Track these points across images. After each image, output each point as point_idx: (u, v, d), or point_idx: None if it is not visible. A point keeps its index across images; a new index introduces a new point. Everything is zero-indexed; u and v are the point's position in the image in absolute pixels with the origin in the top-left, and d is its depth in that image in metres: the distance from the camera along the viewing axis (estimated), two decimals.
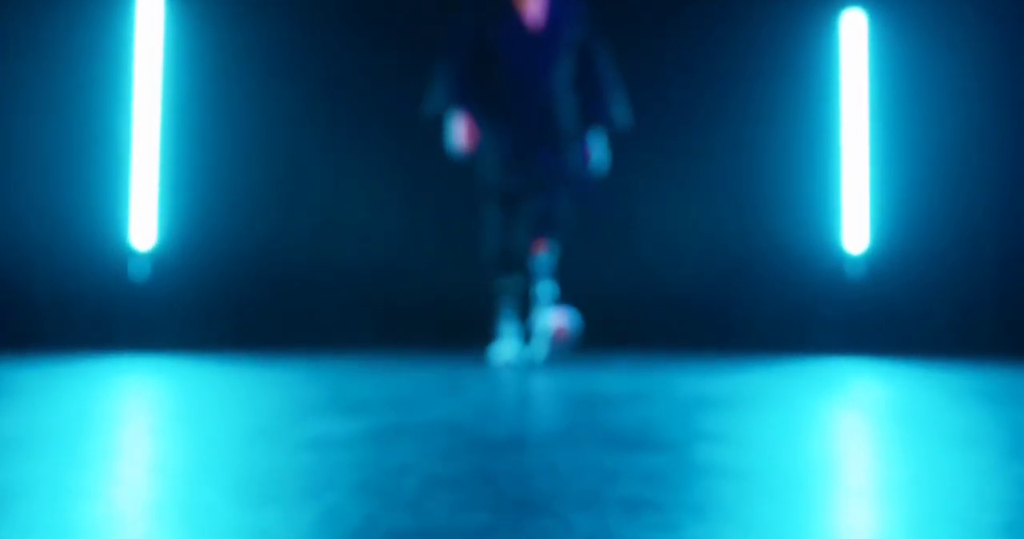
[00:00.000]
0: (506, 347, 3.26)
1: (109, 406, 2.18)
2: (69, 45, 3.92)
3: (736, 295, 4.15)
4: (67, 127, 3.92)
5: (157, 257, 3.96)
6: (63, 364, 2.98)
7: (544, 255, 3.30)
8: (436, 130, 3.54)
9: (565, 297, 3.26)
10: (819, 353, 3.65)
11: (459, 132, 3.33)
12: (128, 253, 3.94)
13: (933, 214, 4.09)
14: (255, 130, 4.12)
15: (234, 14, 4.09)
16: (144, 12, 3.99)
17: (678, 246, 4.23)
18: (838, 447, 1.72)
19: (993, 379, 2.78)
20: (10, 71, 3.91)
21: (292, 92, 4.18)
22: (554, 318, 3.14)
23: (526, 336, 3.33)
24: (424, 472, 1.29)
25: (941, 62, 4.09)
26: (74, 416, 1.91)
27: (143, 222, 3.95)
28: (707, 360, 3.37)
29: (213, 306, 3.95)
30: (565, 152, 3.38)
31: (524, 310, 3.36)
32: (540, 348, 3.18)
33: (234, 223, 4.07)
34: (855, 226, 4.14)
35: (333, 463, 1.35)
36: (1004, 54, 4.06)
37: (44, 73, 3.91)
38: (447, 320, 4.10)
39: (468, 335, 3.99)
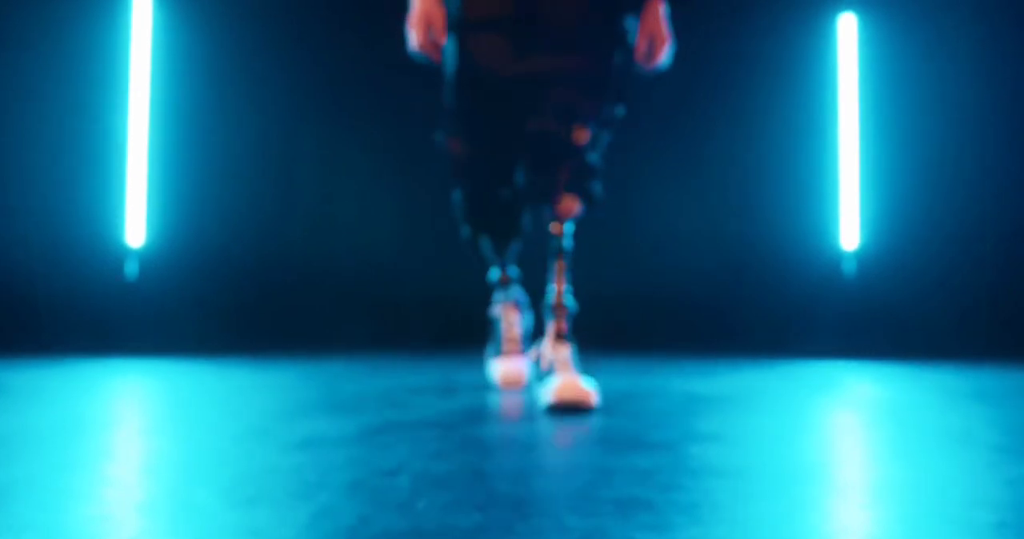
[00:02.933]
0: (507, 366, 2.41)
1: (101, 407, 2.17)
2: (60, 42, 3.91)
3: (730, 295, 4.15)
4: (59, 124, 3.91)
5: (147, 256, 3.95)
6: (54, 365, 2.98)
7: (567, 226, 2.19)
8: (433, 122, 3.52)
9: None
10: (813, 354, 3.65)
11: (417, 14, 2.13)
12: (120, 251, 3.93)
13: (927, 214, 4.10)
14: (248, 127, 4.11)
15: (226, 10, 4.08)
16: (135, 8, 3.99)
17: (671, 246, 4.24)
18: (832, 447, 1.72)
19: (987, 379, 2.79)
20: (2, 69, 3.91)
21: (285, 89, 4.17)
22: (567, 387, 2.01)
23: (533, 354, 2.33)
24: (417, 472, 1.29)
25: (935, 63, 4.10)
26: (65, 417, 1.90)
27: (133, 220, 3.94)
28: (701, 360, 3.37)
29: (203, 305, 3.94)
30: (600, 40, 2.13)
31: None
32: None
33: (226, 221, 4.07)
34: (849, 226, 4.15)
35: (326, 463, 1.34)
36: (996, 55, 4.08)
37: (35, 68, 3.90)
38: (441, 320, 4.10)
39: (462, 335, 3.99)
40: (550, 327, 2.21)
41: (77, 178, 3.94)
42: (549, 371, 2.14)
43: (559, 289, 2.20)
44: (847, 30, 4.21)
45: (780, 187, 4.22)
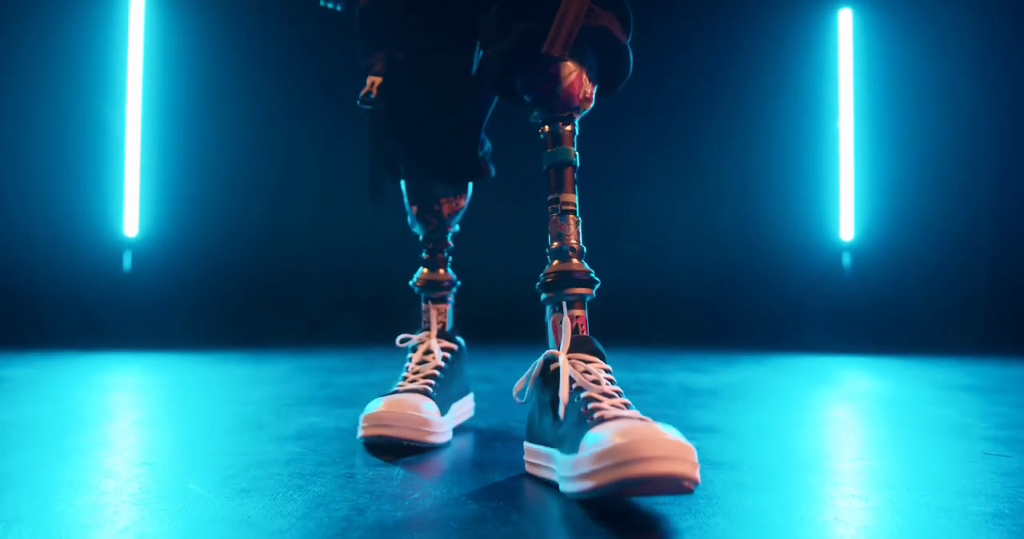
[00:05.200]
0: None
1: (96, 399, 2.17)
2: (57, 37, 3.90)
3: (726, 290, 4.15)
4: (54, 117, 3.90)
5: (141, 248, 3.94)
6: (50, 357, 2.97)
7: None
8: None
9: None
10: (809, 348, 3.65)
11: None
12: (117, 244, 3.92)
13: (923, 208, 4.11)
14: (244, 119, 4.11)
15: (222, 5, 4.07)
16: (131, 4, 3.98)
17: (668, 240, 4.24)
18: (828, 439, 1.72)
19: (982, 373, 2.79)
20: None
21: (281, 83, 4.16)
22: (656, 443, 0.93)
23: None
24: (412, 464, 1.29)
25: (932, 59, 4.10)
26: (61, 409, 1.90)
27: (129, 213, 3.94)
28: (697, 354, 3.37)
29: (199, 298, 3.93)
30: None
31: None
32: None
33: (221, 214, 4.06)
34: (846, 221, 4.15)
35: (321, 455, 1.34)
36: (992, 51, 4.08)
37: (32, 64, 3.90)
38: None
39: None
40: (565, 321, 1.23)
41: (73, 172, 3.93)
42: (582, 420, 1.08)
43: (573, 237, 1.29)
44: (845, 26, 4.21)
45: (777, 182, 4.22)
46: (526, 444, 1.25)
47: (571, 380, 1.13)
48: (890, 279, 4.09)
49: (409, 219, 1.70)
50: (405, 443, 1.38)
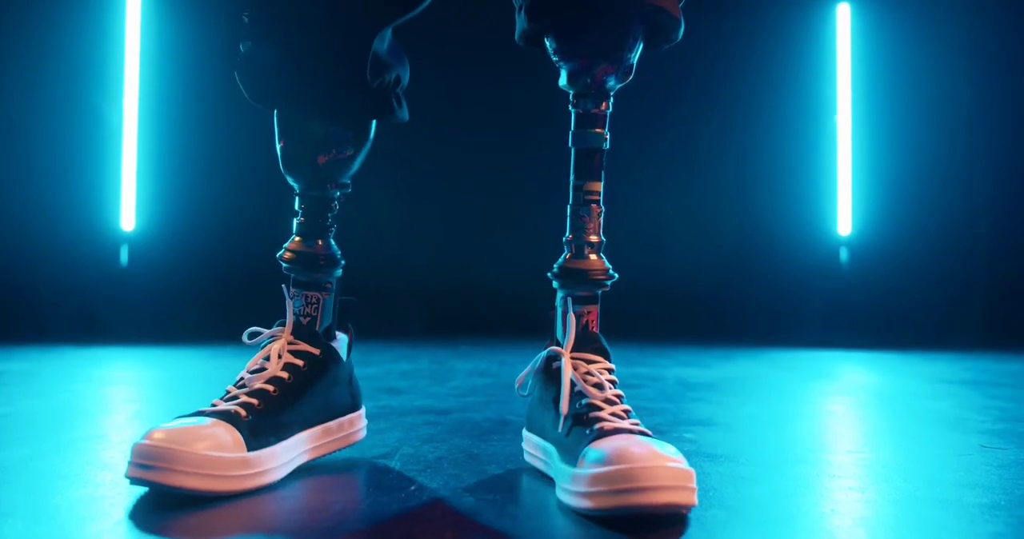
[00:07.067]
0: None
1: (94, 393, 2.17)
2: (55, 33, 3.89)
3: (723, 284, 4.15)
4: (52, 112, 3.89)
5: (138, 243, 3.93)
6: (48, 352, 2.97)
7: None
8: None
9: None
10: (806, 343, 3.66)
11: None
12: (115, 239, 3.92)
13: (919, 203, 4.11)
14: (242, 113, 4.09)
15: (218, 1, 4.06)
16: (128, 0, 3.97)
17: (665, 235, 4.23)
18: (824, 432, 1.73)
19: (980, 367, 2.79)
20: None
21: None
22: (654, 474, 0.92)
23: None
24: (409, 456, 1.29)
25: (930, 55, 4.10)
26: (58, 403, 1.90)
27: (126, 207, 3.93)
28: (695, 349, 3.38)
29: (195, 292, 3.92)
30: None
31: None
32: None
33: (219, 209, 4.04)
34: (843, 216, 4.15)
35: None
36: (990, 46, 4.08)
37: (25, 57, 3.89)
38: (432, 307, 4.10)
39: (453, 323, 3.99)
40: (571, 318, 1.16)
41: (70, 166, 3.92)
42: (578, 421, 1.06)
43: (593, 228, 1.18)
44: (843, 20, 4.21)
45: (774, 176, 4.21)
46: (525, 432, 1.25)
47: (572, 383, 1.10)
48: (888, 274, 4.09)
49: (280, 160, 1.31)
50: (186, 493, 1.00)
